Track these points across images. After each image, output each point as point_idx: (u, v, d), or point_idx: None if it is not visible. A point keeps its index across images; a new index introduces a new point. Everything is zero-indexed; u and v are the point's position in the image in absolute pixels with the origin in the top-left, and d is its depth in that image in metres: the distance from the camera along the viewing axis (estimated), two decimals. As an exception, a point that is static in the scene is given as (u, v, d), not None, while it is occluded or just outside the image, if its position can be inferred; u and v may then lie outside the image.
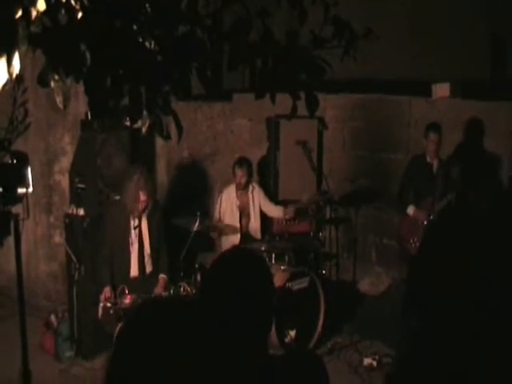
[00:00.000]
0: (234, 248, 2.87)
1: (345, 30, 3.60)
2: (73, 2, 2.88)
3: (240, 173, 8.32)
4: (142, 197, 6.95)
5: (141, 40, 2.93)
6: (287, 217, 8.53)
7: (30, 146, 8.19)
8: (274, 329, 7.24)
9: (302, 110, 3.77)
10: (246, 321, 2.51)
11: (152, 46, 2.95)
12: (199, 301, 2.63)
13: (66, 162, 8.34)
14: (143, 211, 7.07)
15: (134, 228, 7.08)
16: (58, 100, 3.64)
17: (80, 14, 2.92)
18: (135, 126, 3.65)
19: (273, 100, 3.56)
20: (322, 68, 3.69)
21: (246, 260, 2.64)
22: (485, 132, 8.22)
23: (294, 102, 3.65)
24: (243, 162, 8.39)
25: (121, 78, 2.87)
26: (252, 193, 8.53)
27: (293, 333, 7.53)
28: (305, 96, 3.71)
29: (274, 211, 8.63)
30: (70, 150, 8.32)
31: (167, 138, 3.87)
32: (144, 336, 1.96)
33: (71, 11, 2.86)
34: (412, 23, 11.12)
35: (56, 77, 3.44)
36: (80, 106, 7.87)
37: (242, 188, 8.43)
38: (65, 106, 3.76)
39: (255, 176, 9.03)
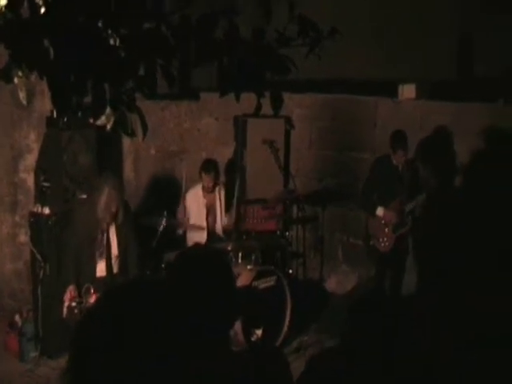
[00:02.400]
0: (195, 245, 2.88)
1: (310, 28, 3.61)
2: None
3: (207, 178, 8.36)
4: (113, 208, 6.85)
5: (104, 36, 2.91)
6: (226, 227, 8.57)
7: (-5, 143, 8.12)
8: (240, 327, 7.24)
9: (269, 109, 3.78)
10: (207, 315, 2.51)
11: (116, 42, 2.93)
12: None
13: (31, 159, 8.25)
14: (113, 219, 6.98)
15: (102, 233, 6.99)
16: (22, 96, 3.61)
17: (43, 9, 2.90)
18: (99, 122, 3.64)
19: (237, 98, 3.56)
20: (286, 66, 3.70)
21: (207, 257, 2.65)
22: (452, 133, 8.29)
23: (259, 100, 3.66)
24: (210, 166, 8.40)
25: (84, 74, 2.85)
26: (219, 192, 8.54)
27: (259, 331, 7.52)
28: (270, 95, 3.72)
29: (221, 218, 8.67)
30: (35, 147, 8.23)
31: (132, 135, 3.85)
32: (102, 327, 1.95)
33: (34, 5, 2.83)
34: (379, 23, 11.17)
35: (19, 73, 3.42)
36: (46, 103, 7.80)
37: (210, 191, 8.47)
38: (28, 102, 3.75)
39: (222, 175, 9.03)
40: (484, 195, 7.82)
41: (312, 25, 3.61)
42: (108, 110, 3.52)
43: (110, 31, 3.04)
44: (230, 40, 3.54)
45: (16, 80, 3.50)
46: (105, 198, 6.78)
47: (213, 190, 8.50)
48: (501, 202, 7.65)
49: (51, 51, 2.85)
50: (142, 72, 3.29)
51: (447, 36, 11.62)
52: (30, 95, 3.27)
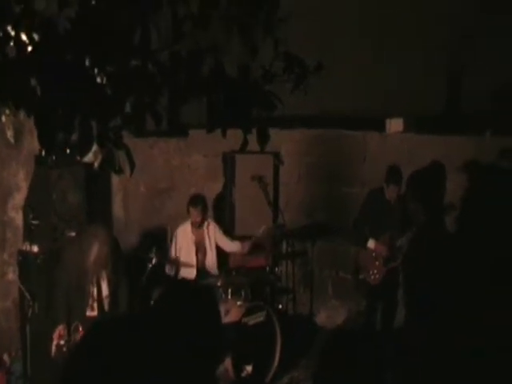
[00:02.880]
0: (181, 281, 2.88)
1: (295, 64, 3.65)
2: (23, 36, 2.88)
3: (195, 212, 8.35)
4: (104, 263, 6.77)
5: (91, 74, 2.93)
6: (244, 251, 8.54)
7: (-17, 181, 8.11)
8: (230, 363, 7.21)
9: (257, 145, 3.80)
10: (192, 353, 2.50)
11: (103, 80, 2.95)
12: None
13: (20, 198, 8.23)
14: (104, 269, 6.90)
15: (92, 276, 6.92)
16: (9, 134, 3.62)
17: (30, 48, 2.92)
18: (87, 160, 3.65)
19: (224, 134, 3.58)
20: (273, 103, 3.73)
21: (192, 293, 2.65)
22: (441, 166, 8.30)
23: (245, 136, 3.67)
24: (197, 201, 8.40)
25: (70, 112, 2.87)
26: (207, 228, 8.54)
27: (249, 367, 7.50)
28: (256, 130, 3.74)
29: (231, 246, 8.64)
30: (24, 186, 8.22)
31: (119, 172, 3.86)
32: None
33: (20, 44, 2.85)
34: (368, 59, 11.27)
35: (7, 111, 3.43)
36: (35, 142, 7.73)
37: (198, 226, 8.46)
38: (16, 141, 3.76)
39: (211, 211, 9.03)
40: (473, 229, 7.82)
41: (298, 61, 3.64)
42: (95, 148, 3.54)
43: (96, 69, 3.06)
44: (216, 77, 3.56)
45: (3, 118, 3.51)
46: (95, 253, 6.67)
47: (201, 225, 8.50)
48: (489, 237, 7.65)
49: (38, 89, 2.87)
50: (129, 110, 3.31)
51: (437, 72, 11.72)
52: (19, 133, 3.29)
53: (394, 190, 7.79)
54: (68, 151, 3.39)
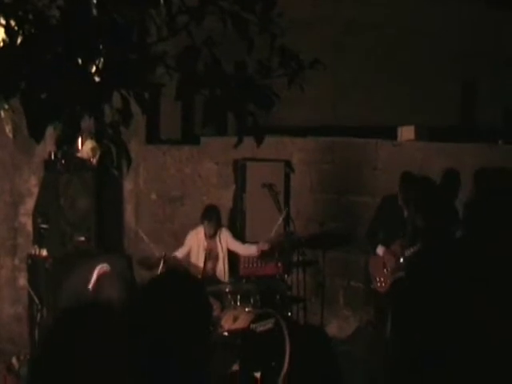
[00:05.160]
0: (170, 270, 2.86)
1: (291, 59, 3.64)
2: (13, 24, 2.90)
3: (208, 226, 8.36)
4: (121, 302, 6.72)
5: (81, 64, 2.94)
6: (263, 249, 8.49)
7: (-4, 187, 8.18)
8: (238, 369, 7.18)
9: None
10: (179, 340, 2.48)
11: (92, 69, 2.96)
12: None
13: (31, 203, 8.30)
14: None
15: None
16: (8, 129, 3.64)
17: (20, 39, 2.94)
18: (85, 156, 3.66)
19: (218, 130, 3.58)
20: (270, 99, 3.72)
21: (181, 281, 2.63)
22: (459, 182, 8.18)
23: (240, 134, 3.66)
24: (211, 213, 8.40)
25: (59, 101, 2.88)
26: (219, 236, 8.54)
27: (258, 374, 7.45)
28: (252, 128, 3.73)
29: (246, 249, 8.65)
30: (36, 191, 8.29)
31: (117, 168, 3.87)
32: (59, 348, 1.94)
33: (11, 35, 2.87)
34: (383, 70, 11.27)
35: (5, 106, 3.45)
36: (47, 148, 7.86)
37: (211, 236, 8.46)
38: (14, 136, 3.77)
39: (224, 220, 9.02)
40: (485, 239, 7.74)
41: (294, 56, 3.64)
42: (93, 144, 3.55)
43: (88, 61, 3.07)
44: (211, 72, 3.56)
45: (2, 113, 3.54)
46: (115, 297, 6.60)
47: (214, 236, 8.50)
48: (502, 248, 7.57)
49: (26, 80, 2.88)
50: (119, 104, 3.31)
51: (452, 83, 11.71)
52: (15, 128, 3.29)
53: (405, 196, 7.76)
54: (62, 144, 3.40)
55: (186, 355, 2.47)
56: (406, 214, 7.87)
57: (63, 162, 7.13)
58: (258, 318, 7.53)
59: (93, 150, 3.49)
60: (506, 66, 11.49)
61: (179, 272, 2.88)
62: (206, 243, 8.49)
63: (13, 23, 2.94)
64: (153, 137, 9.67)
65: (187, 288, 2.61)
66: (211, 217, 8.39)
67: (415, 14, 11.41)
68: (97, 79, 2.92)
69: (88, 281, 6.63)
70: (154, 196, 9.66)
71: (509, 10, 11.56)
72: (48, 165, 7.51)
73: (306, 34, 9.62)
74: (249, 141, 3.69)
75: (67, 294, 6.83)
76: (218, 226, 8.48)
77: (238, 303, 7.81)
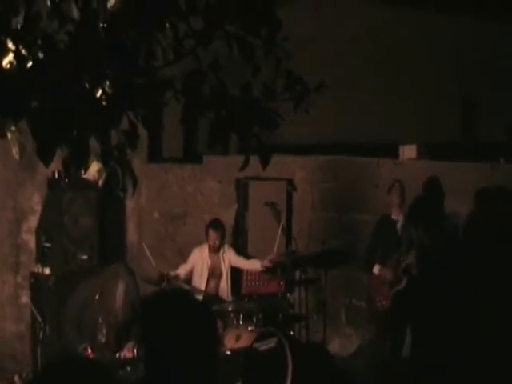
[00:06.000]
0: (172, 289, 2.88)
1: (296, 83, 3.68)
2: (23, 51, 2.94)
3: (214, 235, 8.37)
4: (131, 306, 6.76)
5: (88, 87, 2.97)
6: (267, 265, 8.50)
7: (-1, 204, 8.21)
8: (240, 389, 7.19)
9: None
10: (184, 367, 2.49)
11: (100, 94, 2.99)
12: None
13: (34, 221, 8.32)
14: None
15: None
16: (15, 151, 3.67)
17: (30, 63, 2.97)
18: (91, 178, 3.69)
19: (225, 150, 3.60)
20: (275, 120, 3.75)
21: (186, 296, 2.65)
22: (442, 190, 8.30)
23: (247, 155, 3.69)
24: (217, 224, 8.44)
25: (68, 125, 2.91)
26: (223, 254, 8.55)
27: (260, 393, 7.45)
28: (258, 150, 3.76)
29: (251, 264, 8.67)
30: (38, 209, 8.32)
31: (123, 190, 3.89)
32: None
33: (20, 59, 2.91)
34: (384, 88, 11.33)
35: (12, 127, 3.48)
36: (51, 166, 7.88)
37: (215, 250, 8.46)
38: (21, 157, 3.80)
39: (227, 238, 9.04)
40: (483, 255, 7.79)
41: (299, 79, 3.67)
42: (99, 166, 3.58)
43: (95, 85, 3.10)
44: (217, 95, 3.60)
45: (9, 135, 3.56)
46: (122, 298, 6.64)
47: (218, 250, 8.50)
48: (499, 262, 7.61)
49: (35, 102, 2.91)
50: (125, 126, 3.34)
51: (452, 100, 11.77)
52: (22, 149, 3.33)
53: (396, 192, 7.87)
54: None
55: (188, 370, 2.48)
56: (400, 226, 7.96)
57: (67, 180, 7.16)
58: (260, 337, 7.54)
59: (99, 172, 3.51)
60: (507, 81, 11.55)
61: (185, 289, 2.89)
62: (209, 261, 8.50)
63: (22, 48, 2.97)
64: (155, 155, 9.70)
65: (193, 304, 2.63)
66: (217, 227, 8.40)
67: (417, 32, 11.49)
68: (104, 103, 2.95)
69: (95, 291, 6.67)
70: (156, 214, 9.68)
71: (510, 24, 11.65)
72: (52, 183, 7.55)
73: (306, 51, 9.66)
74: (251, 160, 3.72)
75: (76, 302, 6.87)
76: (222, 238, 8.49)
77: (241, 322, 7.81)
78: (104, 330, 6.88)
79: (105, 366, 2.48)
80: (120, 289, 6.62)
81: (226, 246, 8.65)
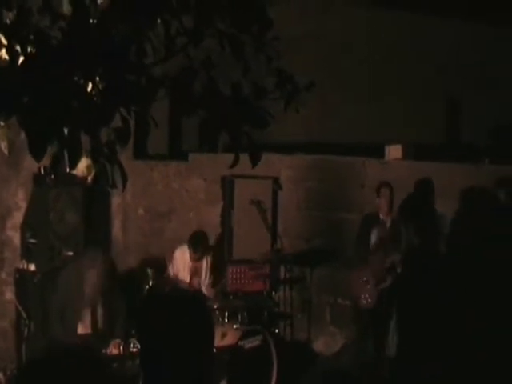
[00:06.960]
0: (171, 288, 2.88)
1: (287, 82, 3.68)
2: (16, 46, 2.93)
3: (194, 256, 8.31)
4: (101, 288, 6.77)
5: (82, 84, 2.96)
6: (209, 294, 8.46)
7: (-17, 200, 8.15)
8: (225, 387, 7.19)
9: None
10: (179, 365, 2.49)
11: (92, 90, 2.98)
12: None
13: (19, 217, 8.27)
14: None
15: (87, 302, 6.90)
16: (3, 146, 3.65)
17: (21, 58, 2.96)
18: (80, 174, 3.67)
19: (215, 148, 3.60)
20: (265, 119, 3.75)
21: (182, 293, 2.65)
22: (433, 191, 8.35)
23: (237, 153, 3.68)
24: (197, 243, 8.35)
25: (60, 122, 2.90)
26: (206, 258, 8.56)
27: (245, 391, 7.46)
28: (248, 149, 3.75)
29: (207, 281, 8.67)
30: (23, 205, 8.27)
31: (112, 187, 3.88)
32: None
33: (13, 54, 2.89)
34: (369, 88, 11.36)
35: (1, 123, 3.47)
36: (35, 161, 7.83)
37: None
38: (10, 153, 3.78)
39: (212, 237, 9.01)
40: (469, 254, 7.84)
41: (289, 78, 3.67)
42: (88, 162, 3.56)
43: (88, 81, 3.09)
44: (208, 93, 3.59)
45: (-3, 131, 3.55)
46: (92, 279, 6.68)
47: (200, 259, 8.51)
48: (484, 262, 7.65)
49: (27, 98, 2.90)
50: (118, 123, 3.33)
51: (436, 101, 11.82)
52: (11, 145, 3.31)
53: (384, 195, 7.92)
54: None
55: (181, 364, 2.48)
56: (388, 226, 8.00)
57: (52, 176, 7.13)
58: (245, 335, 7.55)
59: (88, 168, 3.48)
60: (491, 83, 11.63)
61: (179, 285, 2.90)
62: (191, 263, 8.49)
63: (14, 43, 2.96)
64: (140, 152, 9.66)
65: (187, 299, 2.63)
66: (197, 248, 8.34)
67: (402, 33, 11.53)
68: (96, 99, 2.94)
69: (73, 279, 6.68)
70: (141, 211, 9.65)
71: (494, 26, 11.71)
72: (37, 179, 7.50)
73: (293, 51, 9.68)
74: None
75: (58, 293, 6.87)
76: (204, 253, 8.44)
77: (226, 320, 7.83)
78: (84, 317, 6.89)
79: (92, 352, 2.48)
80: (92, 274, 6.63)
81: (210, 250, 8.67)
